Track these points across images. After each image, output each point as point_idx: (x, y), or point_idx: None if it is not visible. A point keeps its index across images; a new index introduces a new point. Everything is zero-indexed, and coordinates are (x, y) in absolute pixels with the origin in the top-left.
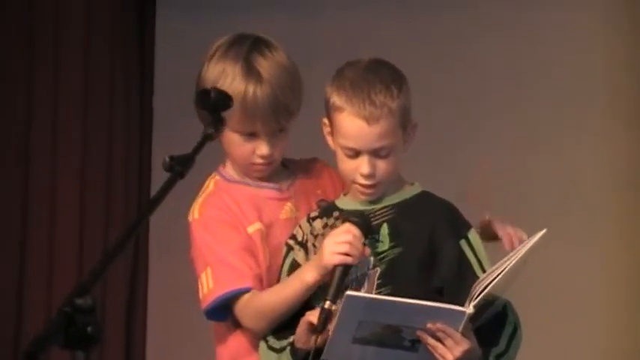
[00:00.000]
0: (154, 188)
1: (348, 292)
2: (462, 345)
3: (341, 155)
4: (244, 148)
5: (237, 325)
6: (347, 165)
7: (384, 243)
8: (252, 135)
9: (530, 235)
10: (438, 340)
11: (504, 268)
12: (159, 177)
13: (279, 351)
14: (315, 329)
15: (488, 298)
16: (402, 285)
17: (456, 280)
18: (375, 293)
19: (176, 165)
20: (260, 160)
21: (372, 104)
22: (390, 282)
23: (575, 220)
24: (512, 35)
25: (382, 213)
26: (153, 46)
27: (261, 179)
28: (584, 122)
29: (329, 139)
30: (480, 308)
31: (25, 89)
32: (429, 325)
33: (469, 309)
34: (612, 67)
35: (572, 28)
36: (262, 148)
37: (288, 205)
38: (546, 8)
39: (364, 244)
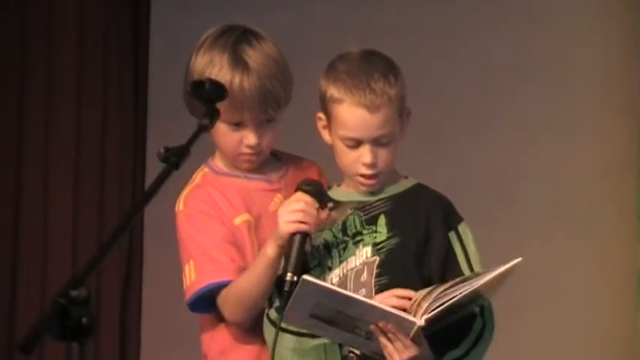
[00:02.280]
0: (149, 179)
1: (304, 276)
2: (411, 350)
3: (341, 147)
4: (232, 138)
5: (222, 318)
6: (348, 156)
7: (382, 233)
8: (239, 125)
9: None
10: (389, 339)
11: (466, 289)
12: (154, 168)
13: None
14: (280, 305)
15: (449, 309)
16: (399, 274)
17: (440, 271)
18: (375, 282)
19: (171, 156)
20: (247, 150)
21: (372, 92)
22: (388, 272)
23: (570, 212)
24: (506, 27)
25: (379, 205)
26: (147, 37)
27: (250, 170)
28: (580, 113)
29: (324, 133)
30: (443, 315)
31: (19, 80)
32: (380, 324)
33: (420, 321)
34: (607, 59)
35: (566, 20)
36: (250, 138)
37: (278, 197)
38: (540, 1)
39: (318, 210)
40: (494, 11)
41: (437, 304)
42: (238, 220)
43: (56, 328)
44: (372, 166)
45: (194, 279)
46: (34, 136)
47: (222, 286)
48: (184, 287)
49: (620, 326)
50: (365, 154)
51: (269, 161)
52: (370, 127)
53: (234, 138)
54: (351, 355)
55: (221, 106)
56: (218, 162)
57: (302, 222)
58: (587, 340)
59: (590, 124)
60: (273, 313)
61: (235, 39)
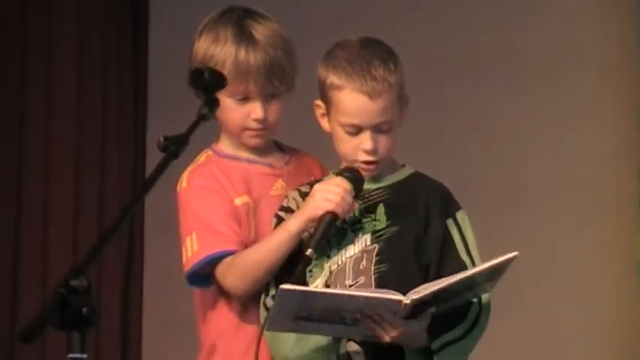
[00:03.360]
0: (149, 168)
1: (281, 287)
2: (398, 328)
3: (341, 134)
4: (238, 112)
5: (221, 296)
6: (348, 143)
7: (381, 222)
8: (245, 99)
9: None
10: (375, 321)
11: (457, 277)
12: (153, 157)
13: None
14: (294, 276)
15: (440, 294)
16: (398, 262)
17: (438, 258)
18: (374, 270)
19: (170, 145)
20: (254, 125)
21: (373, 79)
22: (387, 259)
23: (570, 204)
24: (505, 21)
25: (378, 193)
26: (147, 28)
27: (255, 152)
28: (579, 106)
29: (323, 121)
30: (434, 299)
31: (19, 71)
32: (365, 311)
33: (406, 299)
34: (606, 51)
35: (565, 13)
36: (257, 111)
37: (280, 183)
38: None
39: (354, 199)
40: (492, 5)
41: (427, 289)
42: (238, 201)
43: (57, 317)
44: (372, 152)
45: (196, 249)
46: (35, 128)
47: (224, 256)
48: (184, 259)
49: (621, 317)
50: (365, 140)
51: (272, 148)
52: (371, 114)
53: (241, 112)
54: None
55: (227, 79)
56: (222, 146)
57: (338, 204)
58: (587, 331)
59: (590, 116)
60: (269, 301)
61: (239, 15)
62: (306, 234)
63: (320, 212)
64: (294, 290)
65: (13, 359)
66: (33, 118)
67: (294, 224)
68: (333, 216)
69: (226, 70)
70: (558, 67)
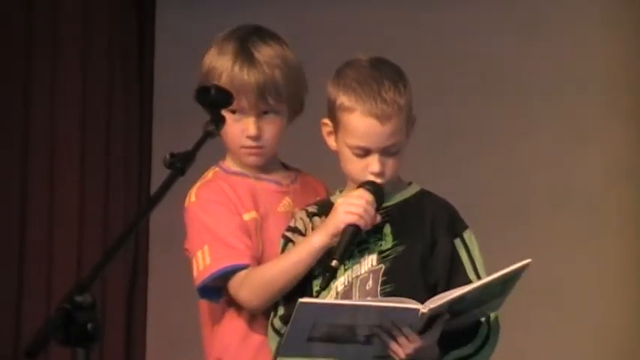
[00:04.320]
0: (154, 185)
1: (300, 300)
2: (415, 343)
3: (348, 155)
4: (233, 128)
5: (230, 308)
6: (356, 165)
7: (387, 241)
8: (237, 113)
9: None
10: (392, 336)
11: (473, 285)
12: (159, 174)
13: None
14: (320, 287)
15: (455, 303)
16: (405, 282)
17: (447, 278)
18: (380, 290)
19: (176, 162)
20: (248, 142)
21: (383, 102)
22: (393, 279)
23: (572, 217)
24: (510, 33)
25: (384, 212)
26: (153, 42)
27: (261, 170)
28: (584, 120)
29: (330, 139)
30: (450, 309)
31: (23, 86)
32: (383, 324)
33: (423, 308)
34: (610, 62)
35: (570, 26)
36: (250, 128)
37: (287, 200)
38: (544, 2)
39: (376, 211)
40: (498, 17)
41: (444, 298)
42: (247, 216)
43: (61, 333)
44: (380, 175)
45: (208, 263)
46: (39, 143)
47: (236, 270)
48: (195, 273)
49: (624, 331)
50: (373, 163)
51: (278, 167)
52: (380, 137)
53: (235, 129)
54: None
55: None
56: (228, 163)
57: (360, 217)
58: (591, 347)
59: (595, 130)
60: (277, 322)
61: (247, 32)
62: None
63: (343, 226)
64: (314, 304)
65: None
66: (37, 121)
67: (318, 239)
68: (355, 228)
69: (222, 83)
70: (563, 84)
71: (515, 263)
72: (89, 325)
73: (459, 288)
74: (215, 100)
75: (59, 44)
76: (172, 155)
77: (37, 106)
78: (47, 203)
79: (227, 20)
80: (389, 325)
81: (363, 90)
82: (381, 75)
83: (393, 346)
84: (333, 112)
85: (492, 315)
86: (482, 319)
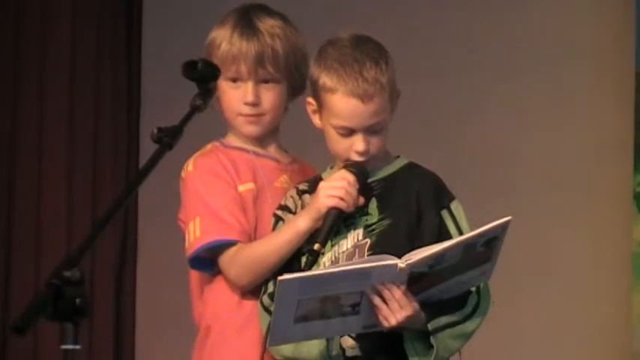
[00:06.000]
0: (142, 160)
1: (280, 278)
2: (406, 310)
3: (333, 134)
4: (231, 95)
5: (221, 276)
6: (340, 144)
7: (373, 215)
8: (237, 81)
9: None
10: (384, 300)
11: (451, 242)
12: (147, 148)
13: None
14: (302, 271)
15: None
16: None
17: None
18: None
19: (164, 136)
20: (246, 109)
21: (365, 81)
22: (380, 253)
23: (565, 194)
24: (500, 10)
25: (371, 187)
26: (140, 24)
27: (261, 146)
28: (574, 97)
29: (314, 117)
30: (430, 268)
31: (12, 65)
32: (375, 285)
33: (401, 263)
34: (600, 42)
35: (560, 3)
36: (247, 94)
37: (284, 177)
38: None
39: (358, 192)
40: None
41: (420, 254)
42: (242, 188)
43: (50, 308)
44: (364, 153)
45: (198, 235)
46: (27, 124)
47: (224, 245)
48: (187, 244)
49: (614, 308)
50: (358, 142)
51: (278, 147)
52: (363, 117)
53: (233, 95)
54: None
55: (223, 60)
56: (229, 139)
57: (342, 199)
58: (581, 324)
59: (584, 107)
60: (266, 300)
61: (251, 7)
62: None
63: (325, 209)
64: (293, 278)
65: (6, 351)
66: (26, 116)
67: (302, 221)
68: (338, 211)
69: (221, 50)
70: (553, 61)
71: (504, 243)
72: (78, 301)
73: (439, 244)
74: (202, 74)
75: (47, 26)
76: (160, 130)
77: (26, 87)
78: (36, 177)
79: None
80: (373, 288)
81: (345, 70)
82: (362, 54)
83: (384, 311)
84: (316, 91)
85: (483, 284)
86: (473, 289)
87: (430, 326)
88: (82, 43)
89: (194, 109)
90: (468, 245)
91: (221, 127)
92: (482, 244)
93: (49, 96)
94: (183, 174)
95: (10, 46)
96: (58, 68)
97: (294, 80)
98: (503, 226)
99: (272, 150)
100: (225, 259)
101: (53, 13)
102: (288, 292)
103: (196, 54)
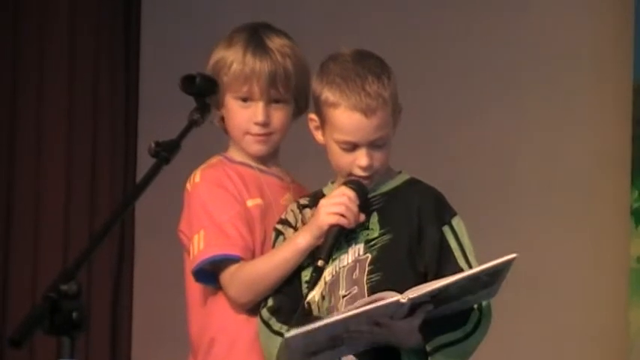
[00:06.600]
0: (140, 174)
1: (286, 336)
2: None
3: (336, 149)
4: (240, 114)
5: (212, 302)
6: (343, 159)
7: (374, 230)
8: (248, 100)
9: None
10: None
11: (454, 278)
12: (144, 163)
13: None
14: (307, 289)
15: (436, 294)
16: (392, 271)
17: (436, 266)
18: (367, 280)
19: (162, 151)
20: (256, 129)
21: (367, 96)
22: (381, 268)
23: (563, 206)
24: (499, 20)
25: (372, 202)
26: (139, 30)
27: (264, 163)
28: (572, 107)
29: (317, 133)
30: (432, 300)
31: (10, 73)
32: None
33: (403, 298)
34: (599, 52)
35: (559, 13)
36: (258, 114)
37: (288, 195)
38: None
39: (359, 208)
40: (487, 3)
41: (425, 288)
42: (251, 203)
43: (47, 322)
44: (367, 168)
45: (202, 248)
46: (26, 131)
47: (226, 260)
48: (191, 257)
49: (612, 320)
50: (361, 157)
51: (279, 167)
52: (366, 131)
53: (243, 115)
54: None
55: (234, 80)
56: (232, 154)
57: (343, 215)
58: (578, 331)
59: (583, 118)
60: (265, 313)
61: (257, 26)
62: None
63: (326, 227)
64: (297, 335)
65: None
66: (24, 123)
67: (303, 239)
68: (339, 228)
69: (232, 70)
70: (552, 66)
71: (502, 250)
72: (74, 314)
73: (443, 279)
74: (200, 89)
75: (45, 30)
76: (157, 144)
77: (24, 98)
78: (34, 191)
79: (214, 7)
80: (375, 328)
81: (347, 85)
82: (364, 69)
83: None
84: (318, 107)
85: (485, 302)
86: (475, 306)
87: (428, 347)
88: (81, 44)
89: (192, 124)
90: (471, 279)
91: (217, 139)
92: (486, 275)
93: (47, 96)
94: (188, 185)
95: (9, 46)
96: (57, 68)
97: (301, 100)
98: (508, 262)
99: (274, 168)
100: (226, 277)
101: (52, 14)
102: (296, 345)
103: (195, 53)
